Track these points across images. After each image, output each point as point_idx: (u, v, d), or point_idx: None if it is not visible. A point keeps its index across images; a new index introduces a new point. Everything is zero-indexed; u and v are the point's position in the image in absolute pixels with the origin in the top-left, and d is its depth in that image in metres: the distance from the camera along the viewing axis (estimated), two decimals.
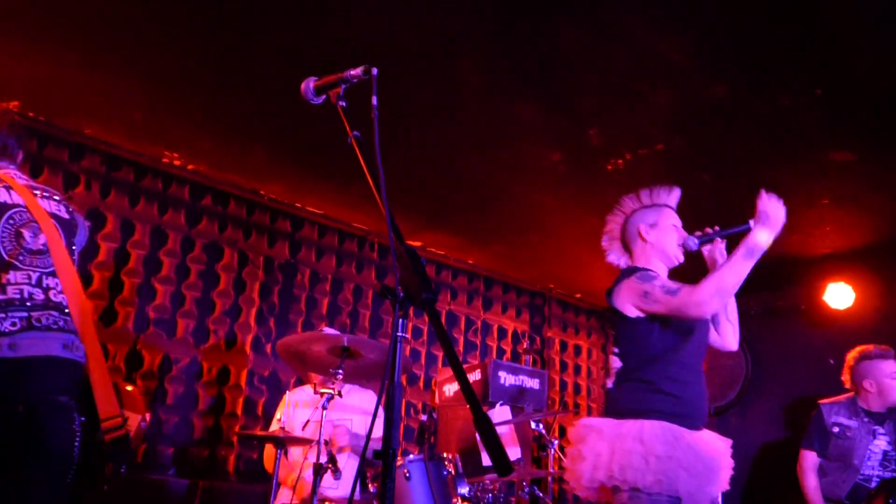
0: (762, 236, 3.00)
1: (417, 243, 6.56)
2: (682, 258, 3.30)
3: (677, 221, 3.35)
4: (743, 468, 3.20)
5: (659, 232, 3.29)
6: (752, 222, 3.10)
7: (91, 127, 4.96)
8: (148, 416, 4.52)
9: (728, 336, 3.43)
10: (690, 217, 3.70)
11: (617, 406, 3.10)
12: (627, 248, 3.40)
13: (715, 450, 3.07)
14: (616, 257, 3.45)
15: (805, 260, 6.20)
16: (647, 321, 3.11)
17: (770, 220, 3.04)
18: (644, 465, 2.86)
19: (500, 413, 5.43)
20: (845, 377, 4.90)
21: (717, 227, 3.29)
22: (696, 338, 3.15)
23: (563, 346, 7.62)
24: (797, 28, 3.63)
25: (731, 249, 3.10)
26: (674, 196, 3.42)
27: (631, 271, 3.21)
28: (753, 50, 3.81)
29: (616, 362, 3.22)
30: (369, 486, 3.91)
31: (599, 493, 3.02)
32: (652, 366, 3.08)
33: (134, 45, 4.04)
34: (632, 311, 3.12)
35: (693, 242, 3.25)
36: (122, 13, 3.81)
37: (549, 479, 5.21)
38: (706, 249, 3.37)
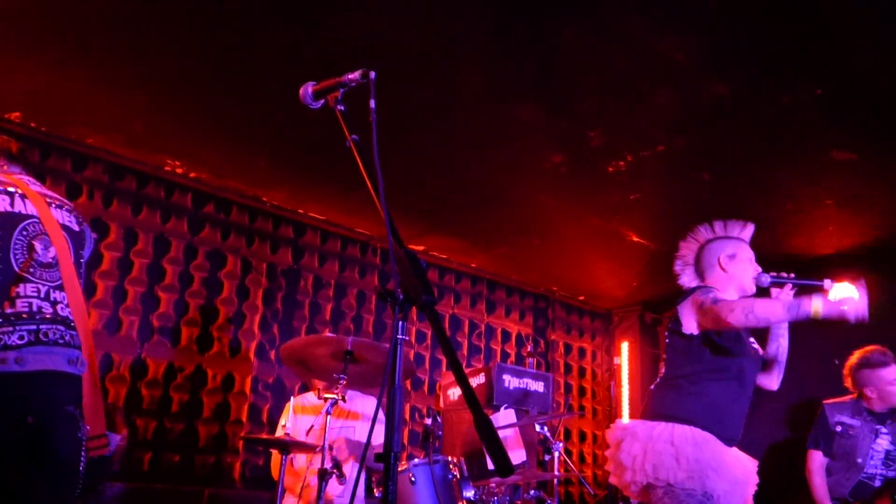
0: (817, 307, 2.97)
1: (420, 247, 6.56)
2: (754, 290, 3.45)
3: (753, 257, 3.52)
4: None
5: (737, 264, 3.45)
6: (827, 282, 3.26)
7: (93, 137, 4.97)
8: (126, 433, 4.54)
9: (773, 375, 3.63)
10: (691, 218, 3.73)
11: (652, 408, 3.29)
12: (701, 274, 3.55)
13: (742, 464, 3.25)
14: (688, 280, 3.59)
15: (809, 260, 6.18)
16: (700, 342, 3.26)
17: (840, 308, 2.97)
18: (675, 463, 3.04)
19: (504, 416, 5.42)
20: (847, 383, 4.92)
21: (792, 274, 3.43)
22: (740, 367, 3.30)
23: (568, 348, 7.61)
24: (797, 27, 3.63)
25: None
26: (748, 231, 3.59)
27: (697, 288, 3.37)
28: (754, 49, 3.81)
29: (661, 368, 3.41)
30: (374, 490, 3.91)
31: (646, 493, 3.16)
32: (694, 379, 3.24)
33: (135, 54, 4.06)
34: (690, 327, 3.27)
35: (766, 279, 3.41)
36: (123, 24, 3.82)
37: (555, 481, 5.20)
38: (774, 291, 3.51)
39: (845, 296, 3.09)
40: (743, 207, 5.49)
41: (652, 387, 3.40)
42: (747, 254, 3.51)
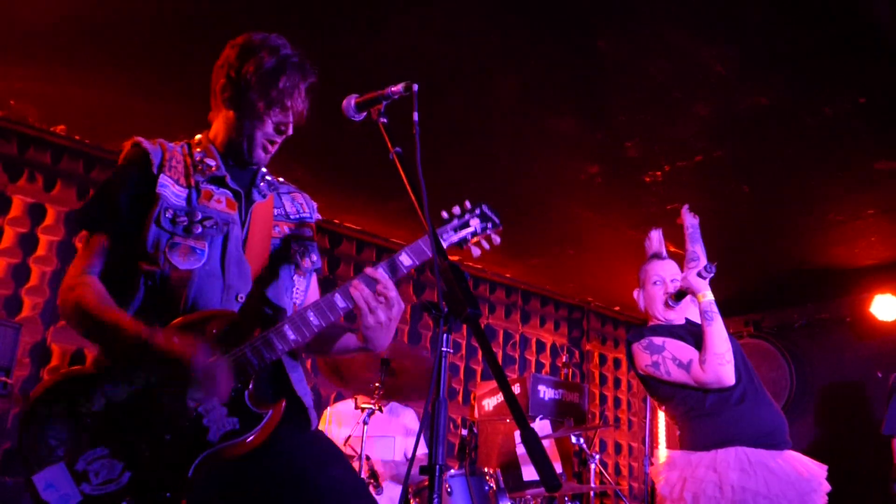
0: (707, 296, 3.16)
1: (455, 257, 6.56)
2: (671, 315, 3.37)
3: (659, 276, 3.42)
4: None
5: (646, 296, 3.46)
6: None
7: None
8: None
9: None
10: (729, 230, 3.67)
11: (688, 441, 3.13)
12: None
13: (804, 473, 3.01)
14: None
15: (850, 271, 6.07)
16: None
17: (697, 284, 3.21)
18: (718, 493, 2.86)
19: (540, 427, 5.39)
20: None
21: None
22: (739, 375, 3.16)
23: (603, 359, 7.55)
24: (839, 36, 3.58)
25: None
26: (660, 238, 3.58)
27: (636, 335, 3.32)
28: (795, 59, 3.77)
29: (667, 420, 3.27)
30: (411, 501, 3.90)
31: None
32: (710, 399, 3.09)
33: (176, 67, 4.13)
34: (646, 375, 3.25)
35: (670, 301, 3.36)
36: (165, 38, 3.90)
37: (591, 493, 5.15)
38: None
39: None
40: (783, 218, 5.42)
41: (667, 417, 3.29)
42: (651, 276, 3.45)
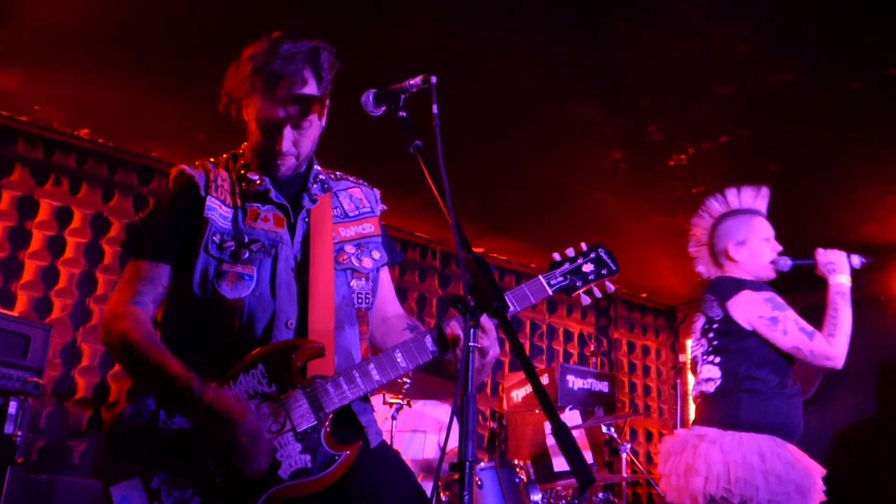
0: (845, 280, 3.18)
1: (479, 249, 6.54)
2: (771, 275, 3.24)
3: (769, 233, 3.26)
4: (824, 465, 3.11)
5: (749, 250, 3.23)
6: (818, 251, 3.24)
7: (158, 149, 5.09)
8: None
9: None
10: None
11: (728, 416, 3.03)
12: (716, 258, 3.32)
13: (814, 469, 3.05)
14: (705, 268, 3.38)
15: (882, 248, 5.94)
16: (758, 340, 3.08)
17: (840, 266, 3.21)
18: (763, 481, 2.83)
19: (570, 417, 5.36)
20: None
21: (812, 259, 3.27)
22: (789, 357, 3.14)
23: (631, 347, 7.50)
24: (861, 6, 3.49)
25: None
26: (762, 199, 3.33)
27: (756, 286, 3.14)
28: (818, 33, 3.69)
29: (713, 372, 3.12)
30: (441, 495, 3.90)
31: None
32: (764, 376, 3.05)
33: (196, 67, 4.14)
34: (745, 323, 3.08)
35: (786, 264, 3.22)
36: (184, 40, 3.91)
37: (623, 483, 5.12)
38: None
39: (837, 262, 3.21)
40: (811, 196, 5.33)
41: (711, 389, 3.10)
42: (761, 233, 3.24)
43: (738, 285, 3.14)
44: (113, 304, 1.93)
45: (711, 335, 3.15)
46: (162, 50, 4.04)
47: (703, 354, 3.18)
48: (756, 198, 3.32)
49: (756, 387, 3.03)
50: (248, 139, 2.13)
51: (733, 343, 3.09)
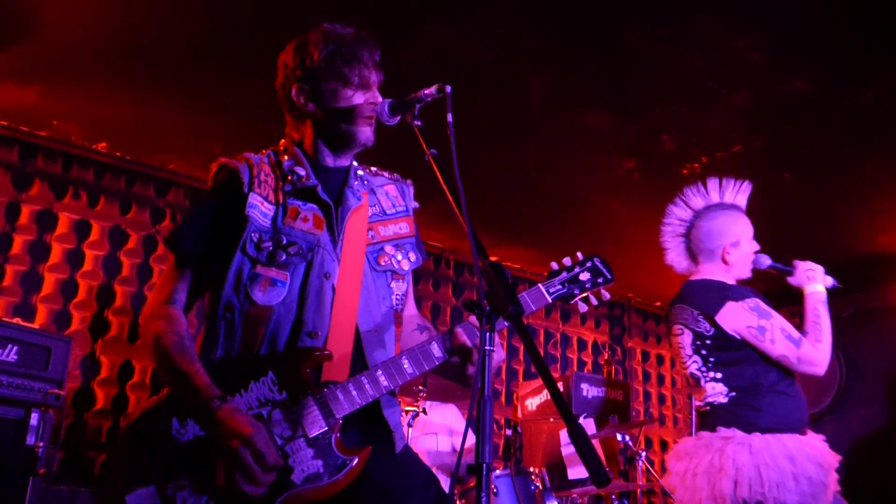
0: (822, 289, 3.23)
1: (494, 258, 6.49)
2: (750, 275, 3.24)
3: (751, 232, 3.24)
4: (839, 475, 3.08)
5: (740, 251, 3.20)
6: (795, 263, 3.26)
7: (175, 162, 5.15)
8: None
9: None
10: (772, 219, 3.60)
11: (748, 420, 2.98)
12: (694, 253, 3.28)
13: (831, 458, 3.05)
14: (676, 258, 3.33)
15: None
16: (750, 348, 3.05)
17: (819, 276, 3.26)
18: (794, 484, 2.81)
19: (584, 426, 5.34)
20: None
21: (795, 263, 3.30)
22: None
23: (645, 355, 7.48)
24: (876, 15, 3.50)
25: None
26: (744, 195, 3.28)
27: (737, 293, 3.08)
28: (831, 41, 3.69)
29: (719, 387, 3.07)
30: (457, 502, 3.90)
31: None
32: (773, 378, 3.04)
33: (212, 80, 4.20)
34: (737, 336, 3.04)
35: (764, 262, 3.23)
36: (200, 54, 3.96)
37: (638, 491, 5.10)
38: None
39: (815, 269, 3.26)
40: (826, 206, 5.32)
41: (720, 402, 3.03)
42: (749, 233, 3.21)
43: (720, 296, 3.07)
44: (150, 302, 1.97)
45: (705, 352, 3.10)
46: (178, 65, 4.09)
47: (700, 371, 3.12)
48: (738, 192, 3.28)
49: (769, 390, 3.01)
50: (311, 127, 2.12)
51: (732, 355, 3.05)
